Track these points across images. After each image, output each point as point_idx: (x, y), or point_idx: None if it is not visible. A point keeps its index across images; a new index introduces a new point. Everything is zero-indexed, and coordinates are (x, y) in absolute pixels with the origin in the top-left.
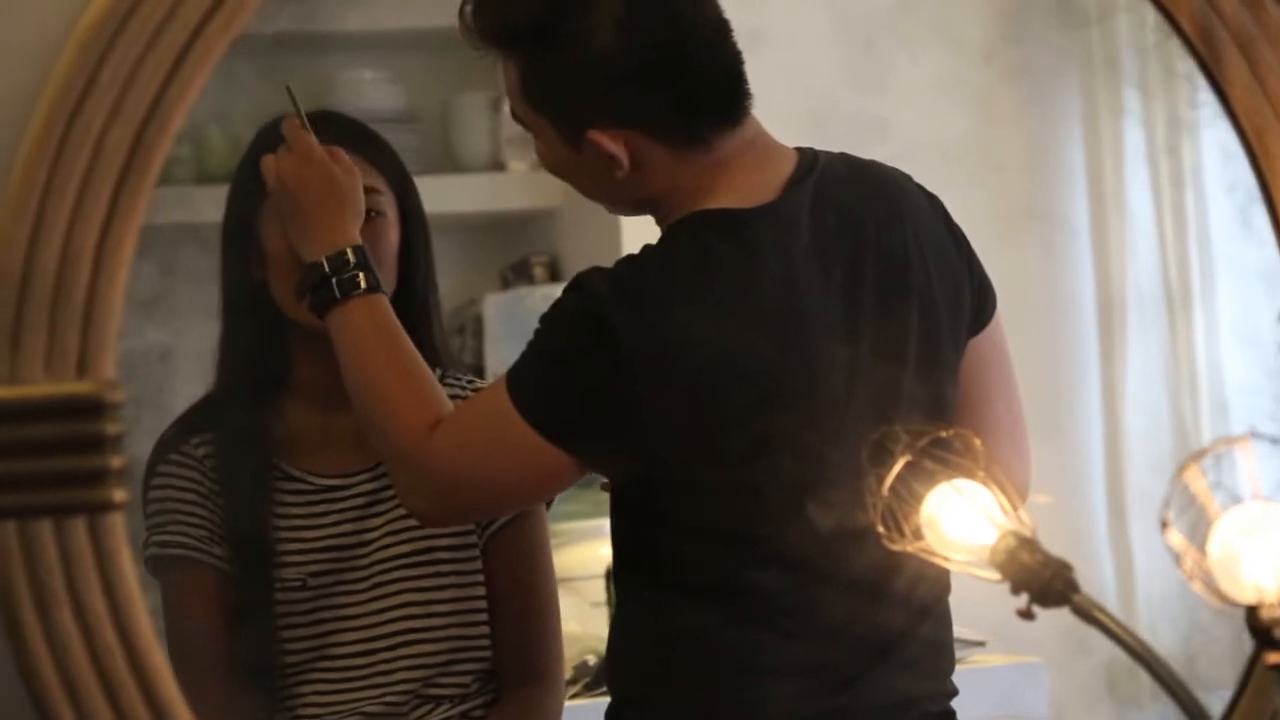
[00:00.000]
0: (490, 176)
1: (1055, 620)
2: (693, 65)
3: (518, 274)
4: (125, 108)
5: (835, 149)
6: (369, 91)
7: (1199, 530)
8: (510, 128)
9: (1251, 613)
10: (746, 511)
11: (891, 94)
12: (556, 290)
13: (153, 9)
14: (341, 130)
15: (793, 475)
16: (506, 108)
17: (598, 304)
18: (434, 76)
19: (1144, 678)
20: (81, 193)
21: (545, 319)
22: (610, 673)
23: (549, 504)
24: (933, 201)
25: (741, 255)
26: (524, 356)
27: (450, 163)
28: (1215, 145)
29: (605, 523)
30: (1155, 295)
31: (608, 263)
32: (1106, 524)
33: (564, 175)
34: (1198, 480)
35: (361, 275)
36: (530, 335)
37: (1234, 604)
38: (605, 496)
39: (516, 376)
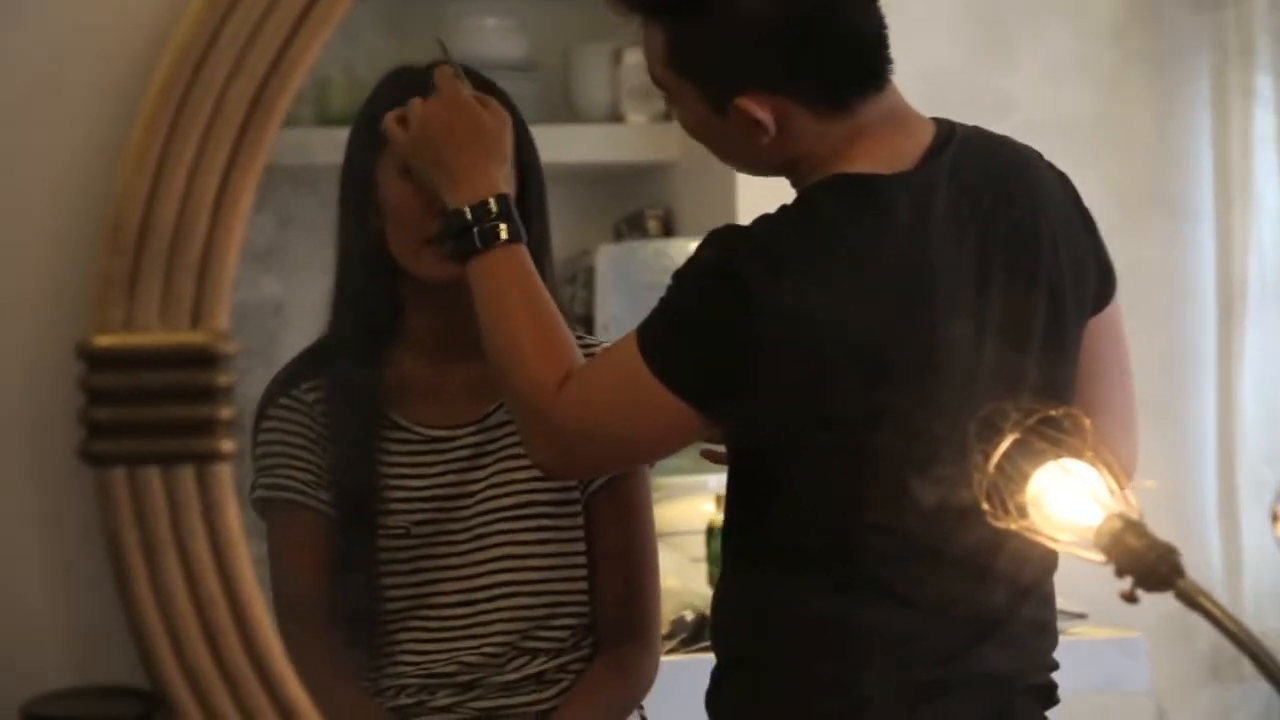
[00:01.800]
0: (608, 128)
1: (1160, 601)
2: (841, 29)
3: (631, 226)
4: (248, 63)
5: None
6: (491, 39)
7: None
8: (631, 79)
9: None
10: (857, 481)
11: (1018, 70)
12: (670, 244)
13: None
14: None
15: (905, 449)
16: (628, 59)
17: (733, 262)
18: (556, 25)
19: (1247, 664)
20: (202, 145)
21: (678, 276)
22: (716, 634)
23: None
24: (1063, 180)
25: (877, 223)
26: (656, 312)
27: (569, 112)
28: None
29: (707, 478)
30: (1277, 283)
31: (723, 218)
32: (1217, 510)
33: (704, 139)
34: None
35: (504, 226)
36: (642, 288)
37: None
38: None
39: (648, 333)
